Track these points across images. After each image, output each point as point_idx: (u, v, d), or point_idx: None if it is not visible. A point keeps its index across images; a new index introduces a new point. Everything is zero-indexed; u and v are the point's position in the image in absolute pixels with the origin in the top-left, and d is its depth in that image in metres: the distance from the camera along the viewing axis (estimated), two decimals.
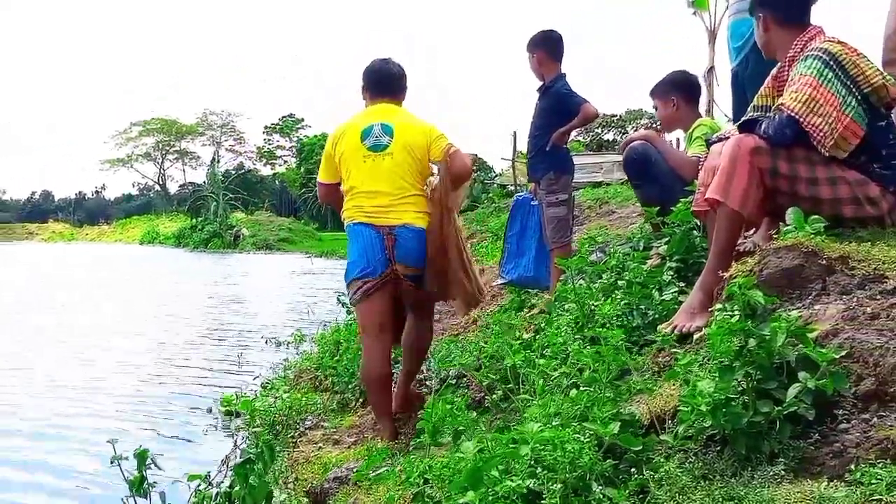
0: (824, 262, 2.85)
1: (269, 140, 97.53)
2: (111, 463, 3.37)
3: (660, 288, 3.94)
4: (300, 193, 76.60)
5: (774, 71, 3.77)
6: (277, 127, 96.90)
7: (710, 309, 3.32)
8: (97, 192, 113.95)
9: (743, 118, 3.81)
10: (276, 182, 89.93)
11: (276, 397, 6.43)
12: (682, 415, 2.40)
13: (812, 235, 2.97)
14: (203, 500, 3.48)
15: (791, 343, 2.36)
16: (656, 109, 4.97)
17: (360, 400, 6.27)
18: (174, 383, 7.69)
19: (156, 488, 3.34)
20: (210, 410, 6.37)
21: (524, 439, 2.38)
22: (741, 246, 3.52)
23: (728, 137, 3.72)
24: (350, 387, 6.33)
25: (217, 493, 3.52)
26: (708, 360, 2.62)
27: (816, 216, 3.06)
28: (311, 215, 73.96)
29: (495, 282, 6.87)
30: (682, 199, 4.17)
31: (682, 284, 3.93)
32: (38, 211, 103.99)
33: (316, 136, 79.98)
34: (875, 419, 2.26)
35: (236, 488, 3.44)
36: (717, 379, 2.33)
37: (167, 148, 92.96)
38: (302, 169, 78.92)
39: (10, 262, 33.44)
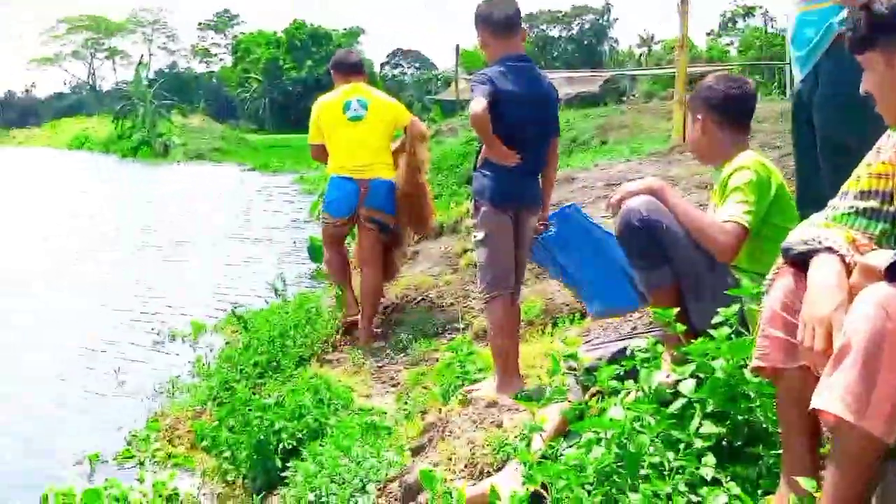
0: None
1: (204, 37, 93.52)
2: None
3: (692, 485, 2.33)
4: (237, 93, 73.20)
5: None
6: (211, 23, 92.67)
7: None
8: (27, 90, 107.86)
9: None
10: (213, 80, 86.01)
11: (135, 478, 4.82)
12: None
13: None
14: None
15: None
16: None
17: (246, 476, 4.75)
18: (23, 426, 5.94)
19: None
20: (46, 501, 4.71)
21: None
22: None
23: (828, 248, 2.06)
24: (235, 460, 4.77)
25: None
26: None
27: None
28: (249, 116, 70.89)
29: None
30: (720, 310, 2.51)
31: (730, 483, 2.31)
32: None
33: (252, 34, 76.31)
34: None
35: None
36: None
37: (96, 46, 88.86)
38: (238, 67, 75.26)
39: None
